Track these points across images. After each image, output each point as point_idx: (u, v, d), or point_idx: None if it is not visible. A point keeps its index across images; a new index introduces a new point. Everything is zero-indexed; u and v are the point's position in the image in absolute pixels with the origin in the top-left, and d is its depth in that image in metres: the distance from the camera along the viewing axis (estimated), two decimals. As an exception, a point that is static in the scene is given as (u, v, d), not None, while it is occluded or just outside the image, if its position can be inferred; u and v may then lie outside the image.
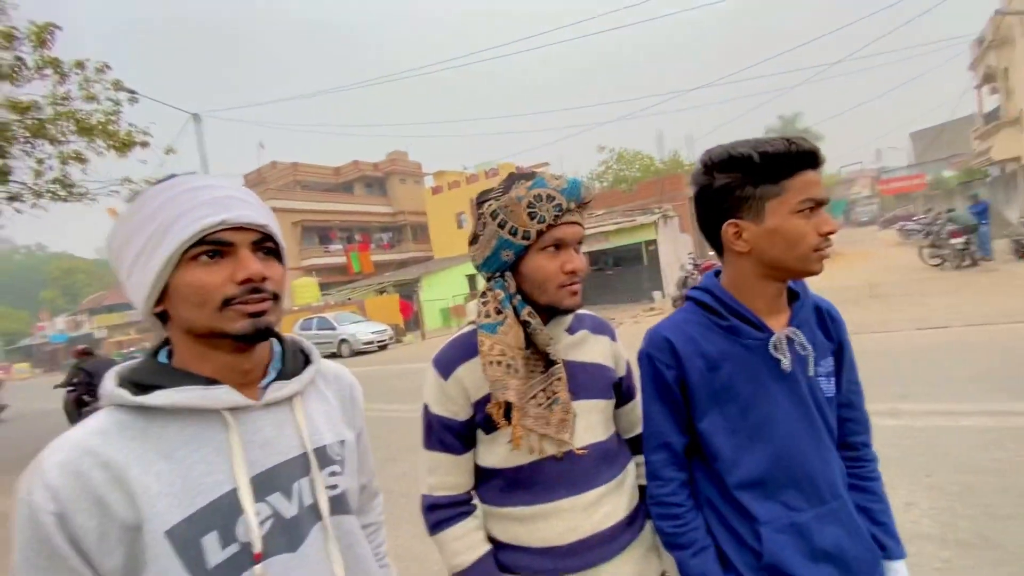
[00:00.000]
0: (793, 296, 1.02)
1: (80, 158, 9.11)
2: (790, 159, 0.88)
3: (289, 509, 0.74)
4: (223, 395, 0.71)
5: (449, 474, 1.04)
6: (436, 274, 23.25)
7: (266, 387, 0.77)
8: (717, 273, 1.04)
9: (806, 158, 0.89)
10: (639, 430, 1.20)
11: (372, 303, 20.69)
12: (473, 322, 1.06)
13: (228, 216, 0.70)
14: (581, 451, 1.02)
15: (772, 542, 0.91)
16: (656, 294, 17.22)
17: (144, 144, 9.60)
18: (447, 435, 1.03)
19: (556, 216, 0.95)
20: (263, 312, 0.72)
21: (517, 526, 1.02)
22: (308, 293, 23.95)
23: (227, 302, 0.70)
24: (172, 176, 0.73)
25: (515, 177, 0.99)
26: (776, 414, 0.94)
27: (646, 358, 1.01)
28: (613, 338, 1.17)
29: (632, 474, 1.13)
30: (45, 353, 46.10)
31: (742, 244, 0.94)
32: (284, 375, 0.80)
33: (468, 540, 1.02)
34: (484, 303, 1.01)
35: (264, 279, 0.72)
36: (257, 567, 0.69)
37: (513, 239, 0.97)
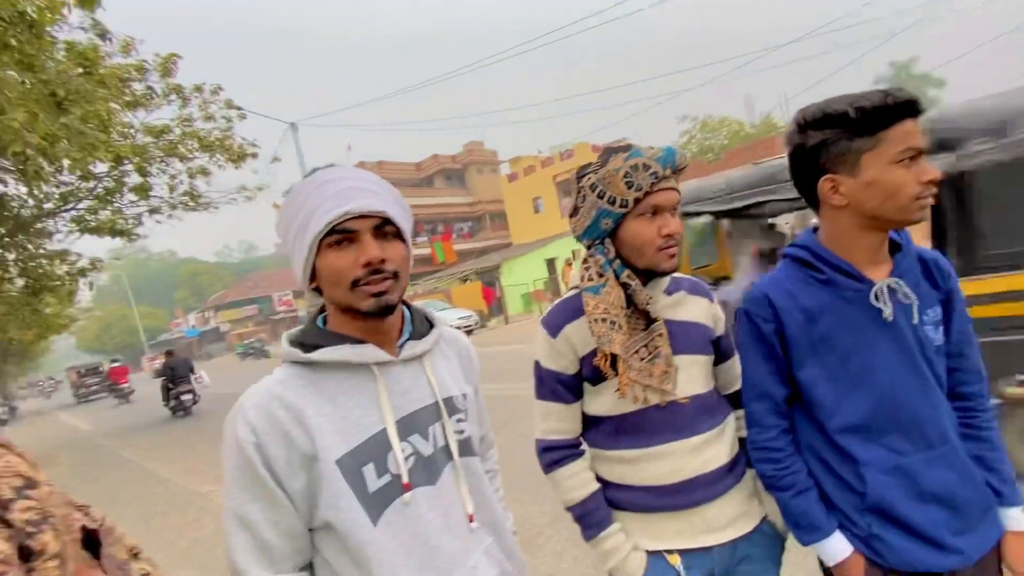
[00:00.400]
0: (895, 248, 1.02)
1: (205, 172, 10.34)
2: (887, 111, 0.89)
3: (427, 448, 0.89)
4: (370, 352, 0.86)
5: (561, 420, 1.17)
6: (515, 260, 23.62)
7: (401, 346, 0.91)
8: (815, 230, 1.07)
9: (905, 108, 0.89)
10: (738, 386, 1.26)
11: (457, 291, 21.50)
12: (576, 287, 1.17)
13: (350, 207, 0.80)
14: (684, 400, 1.10)
15: (876, 482, 0.94)
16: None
17: (254, 155, 10.68)
18: (558, 387, 1.16)
19: (652, 183, 1.03)
20: (384, 292, 0.82)
21: (624, 467, 1.13)
22: (398, 284, 25.28)
23: (355, 283, 0.81)
24: (315, 171, 0.88)
25: (611, 151, 1.08)
26: (878, 362, 0.97)
27: (744, 315, 1.07)
28: (711, 300, 1.23)
29: (732, 426, 1.19)
30: (181, 346, 53.00)
31: (839, 198, 0.96)
32: (415, 336, 0.94)
33: (580, 478, 1.15)
34: (586, 268, 1.12)
35: (383, 261, 0.82)
36: (407, 495, 0.84)
37: (611, 207, 1.06)
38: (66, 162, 7.34)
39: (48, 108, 5.44)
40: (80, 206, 9.82)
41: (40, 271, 10.01)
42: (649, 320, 1.10)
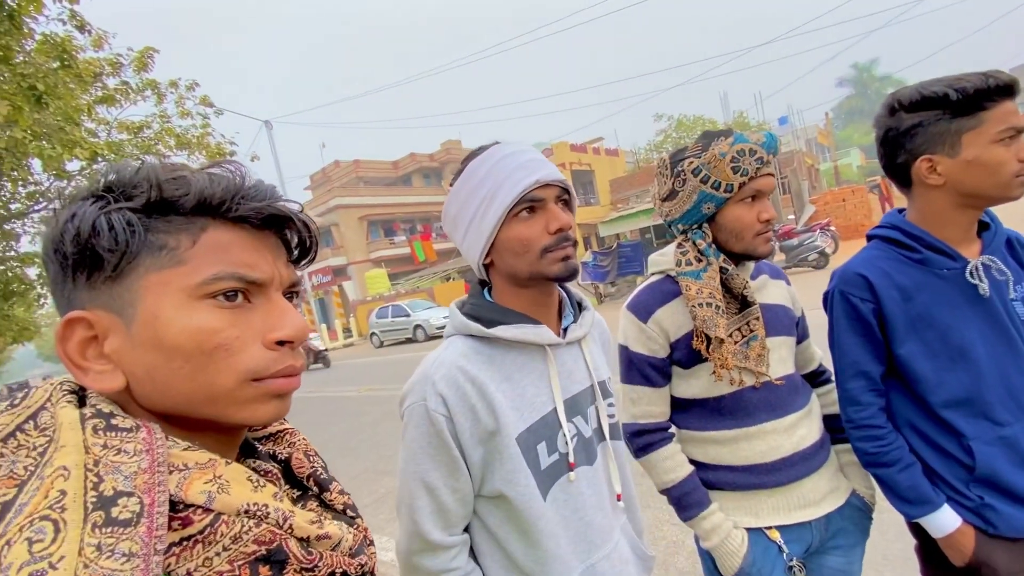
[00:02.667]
0: (982, 227, 1.07)
1: (185, 169, 10.00)
2: (988, 92, 0.93)
3: (586, 430, 0.92)
4: (545, 333, 0.88)
5: (652, 404, 1.18)
6: (498, 258, 23.53)
7: (566, 328, 0.94)
8: (900, 210, 1.11)
9: (1004, 89, 0.94)
10: (813, 366, 1.30)
11: (440, 289, 21.34)
12: (662, 272, 1.19)
13: (540, 176, 0.83)
14: (779, 381, 1.13)
15: (984, 454, 0.98)
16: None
17: (232, 154, 10.39)
18: (648, 370, 1.17)
19: (757, 168, 1.05)
20: (570, 256, 0.85)
21: (719, 447, 1.15)
22: (380, 283, 25.03)
23: (546, 249, 0.84)
24: (482, 148, 0.89)
25: (712, 135, 1.09)
26: (975, 337, 1.01)
27: (839, 295, 1.09)
28: (788, 283, 1.27)
29: (816, 403, 1.23)
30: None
31: (936, 178, 1.00)
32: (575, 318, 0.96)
33: (675, 460, 1.16)
34: (683, 253, 1.13)
35: (569, 227, 0.86)
36: (571, 473, 0.87)
37: (716, 192, 1.07)
38: (36, 161, 7.02)
39: (29, 102, 5.19)
40: (51, 207, 9.40)
41: (10, 274, 9.55)
42: (742, 303, 1.12)
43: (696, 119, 31.46)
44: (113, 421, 0.41)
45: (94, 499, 0.37)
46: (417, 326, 17.34)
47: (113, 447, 0.39)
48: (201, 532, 0.40)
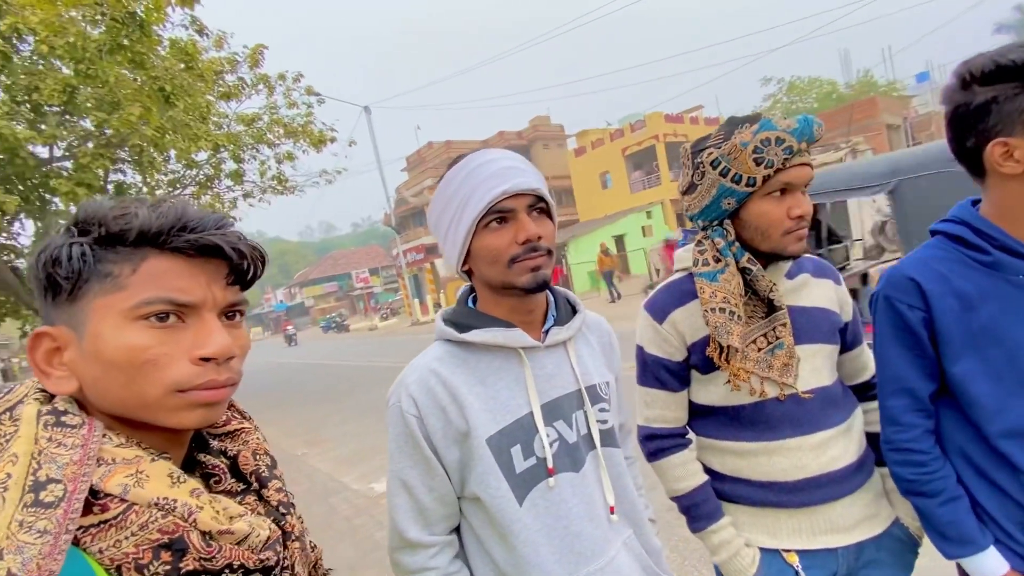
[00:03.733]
0: None
1: (291, 157, 10.96)
2: None
3: (570, 435, 0.89)
4: (519, 336, 0.87)
5: (666, 408, 1.12)
6: (581, 238, 23.22)
7: (547, 331, 0.92)
8: (975, 202, 0.93)
9: None
10: (865, 377, 1.15)
11: (524, 268, 21.48)
12: (685, 269, 1.10)
13: (507, 186, 0.81)
14: (806, 394, 1.02)
15: None
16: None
17: (332, 140, 11.16)
18: (663, 373, 1.10)
19: (785, 159, 0.93)
20: (540, 267, 0.83)
21: (737, 459, 1.07)
22: (467, 261, 25.72)
23: (513, 260, 0.82)
24: (460, 157, 0.89)
25: (736, 122, 0.98)
26: None
27: (883, 300, 0.95)
28: (838, 282, 1.12)
29: (860, 419, 1.09)
30: (271, 319, 57.52)
31: (1013, 165, 0.82)
32: (559, 321, 0.94)
33: (688, 468, 1.10)
34: (701, 251, 1.04)
35: (539, 237, 0.83)
36: (551, 479, 0.85)
37: (736, 186, 0.96)
38: (172, 152, 8.06)
39: (157, 103, 5.95)
40: (186, 192, 10.76)
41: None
42: (770, 307, 1.01)
43: (811, 81, 28.31)
44: (63, 418, 0.48)
45: (31, 483, 0.44)
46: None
47: (56, 440, 0.47)
48: (115, 518, 0.46)
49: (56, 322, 0.51)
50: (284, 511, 0.60)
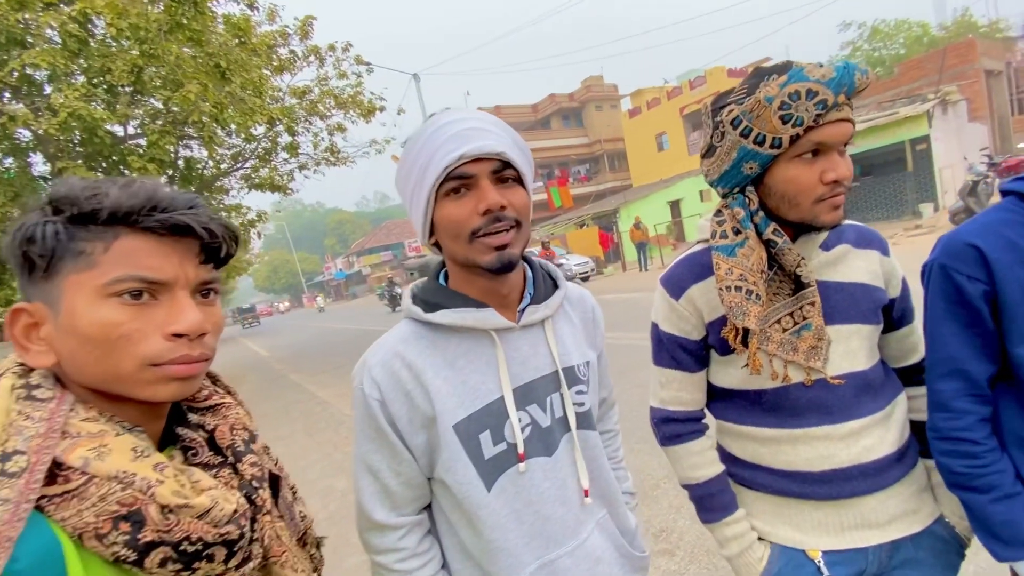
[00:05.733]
0: None
1: (342, 128, 11.19)
2: None
3: (544, 419, 0.85)
4: (490, 317, 0.82)
5: (682, 390, 1.05)
6: (634, 203, 22.48)
7: (522, 311, 0.86)
8: None
9: None
10: (914, 359, 1.03)
11: (573, 236, 21.26)
12: (705, 241, 1.00)
13: (466, 149, 0.73)
14: (836, 380, 0.92)
15: None
16: (925, 207, 13.07)
17: (382, 109, 11.26)
18: (679, 352, 1.03)
19: (818, 115, 0.80)
20: (506, 244, 0.76)
21: (758, 446, 1.00)
22: (516, 229, 25.66)
23: (475, 233, 0.75)
24: (431, 116, 0.82)
25: (763, 73, 0.85)
26: None
27: (938, 269, 0.84)
28: (884, 252, 0.99)
29: (903, 407, 0.99)
30: (331, 287, 60.27)
31: None
32: (536, 299, 0.88)
33: (704, 457, 1.03)
34: (720, 222, 0.93)
35: (503, 207, 0.75)
36: (521, 464, 0.82)
37: (759, 148, 0.85)
38: (232, 126, 8.42)
39: (214, 79, 6.18)
40: (246, 165, 11.27)
41: (224, 222, 11.85)
42: (798, 284, 0.91)
43: (898, 24, 25.38)
44: (34, 392, 0.51)
45: None
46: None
47: (24, 413, 0.49)
48: (76, 489, 0.48)
49: (33, 298, 0.53)
50: (257, 485, 0.62)
